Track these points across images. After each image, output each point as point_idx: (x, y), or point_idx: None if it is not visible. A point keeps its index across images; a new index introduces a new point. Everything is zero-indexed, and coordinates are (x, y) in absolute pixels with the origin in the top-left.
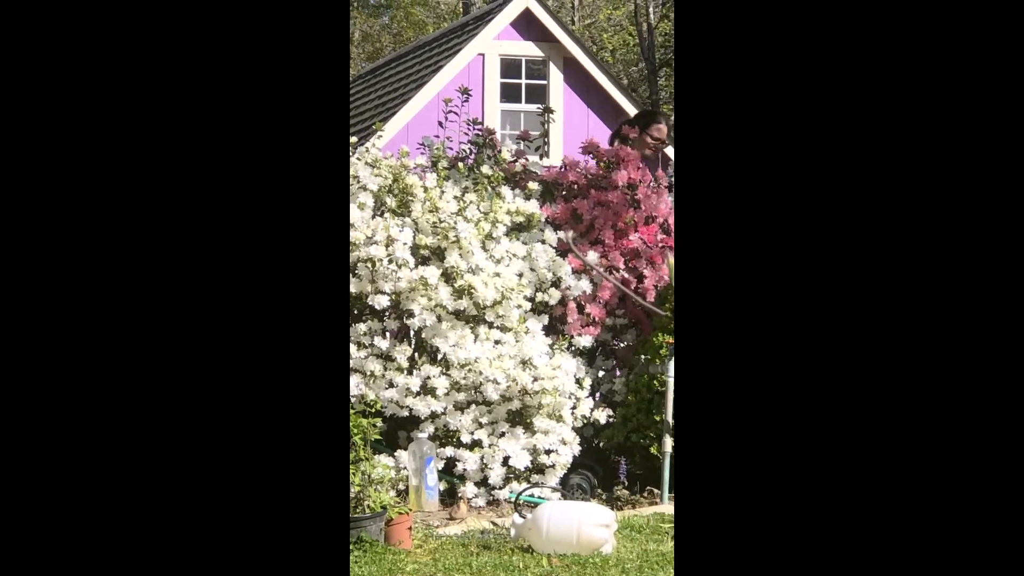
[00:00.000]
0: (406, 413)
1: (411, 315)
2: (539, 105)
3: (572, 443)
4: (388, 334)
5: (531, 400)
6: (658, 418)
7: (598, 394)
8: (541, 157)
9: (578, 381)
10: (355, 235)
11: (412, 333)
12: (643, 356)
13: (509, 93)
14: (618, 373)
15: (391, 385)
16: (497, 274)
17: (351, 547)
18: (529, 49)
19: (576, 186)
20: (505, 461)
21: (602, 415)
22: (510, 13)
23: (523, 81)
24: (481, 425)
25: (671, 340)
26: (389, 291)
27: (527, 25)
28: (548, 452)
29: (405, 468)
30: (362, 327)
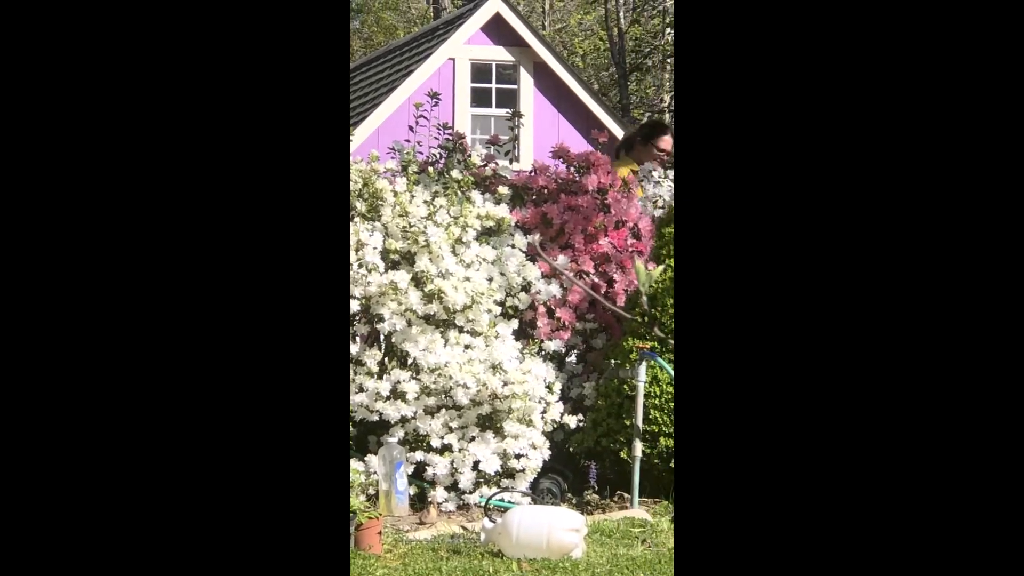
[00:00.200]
0: (376, 418)
1: (381, 320)
2: (509, 109)
3: (542, 447)
4: (358, 339)
5: (501, 404)
6: (628, 422)
7: (568, 398)
8: (511, 161)
9: (548, 386)
10: None
11: (382, 338)
12: (613, 360)
13: (480, 97)
14: (588, 378)
15: (361, 390)
16: (467, 278)
17: None
18: (500, 54)
19: (546, 190)
20: (475, 466)
21: (572, 419)
22: (481, 17)
23: (494, 85)
24: (451, 429)
25: (641, 344)
26: (359, 296)
27: (498, 30)
28: (518, 456)
29: (375, 473)
30: None
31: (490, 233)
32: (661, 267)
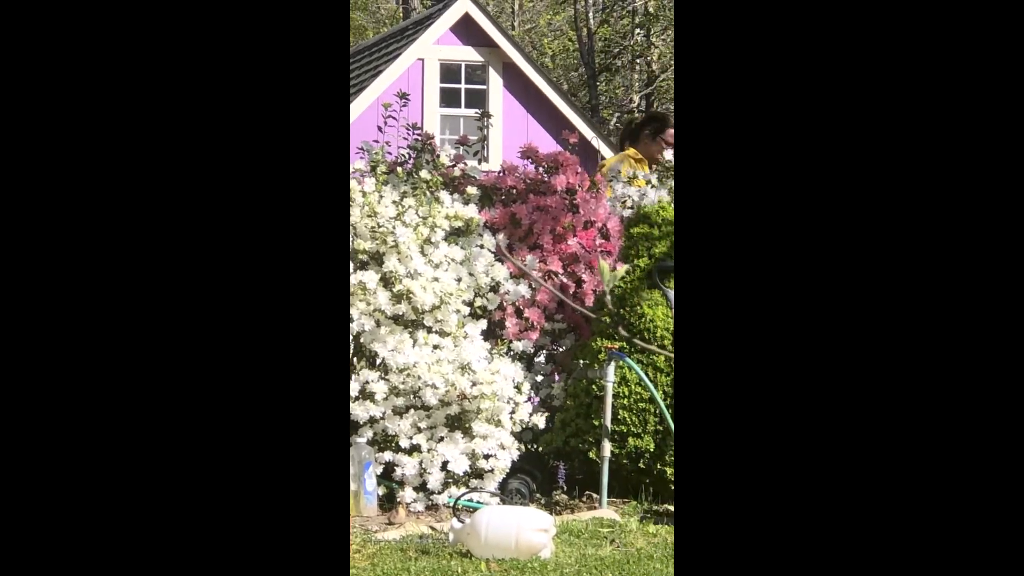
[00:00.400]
0: None
1: (349, 320)
2: (478, 110)
3: (511, 448)
4: None
5: (470, 405)
6: (597, 423)
7: (537, 399)
8: (480, 162)
9: (517, 386)
10: None
11: (351, 338)
12: (582, 361)
13: (449, 98)
14: (557, 378)
15: None
16: (436, 279)
17: None
18: (469, 54)
19: (515, 191)
20: (444, 466)
21: (541, 420)
22: (450, 18)
23: (463, 86)
24: (420, 430)
25: (610, 344)
26: None
27: (467, 30)
28: (487, 457)
29: None
30: None
31: (459, 233)
32: (626, 266)
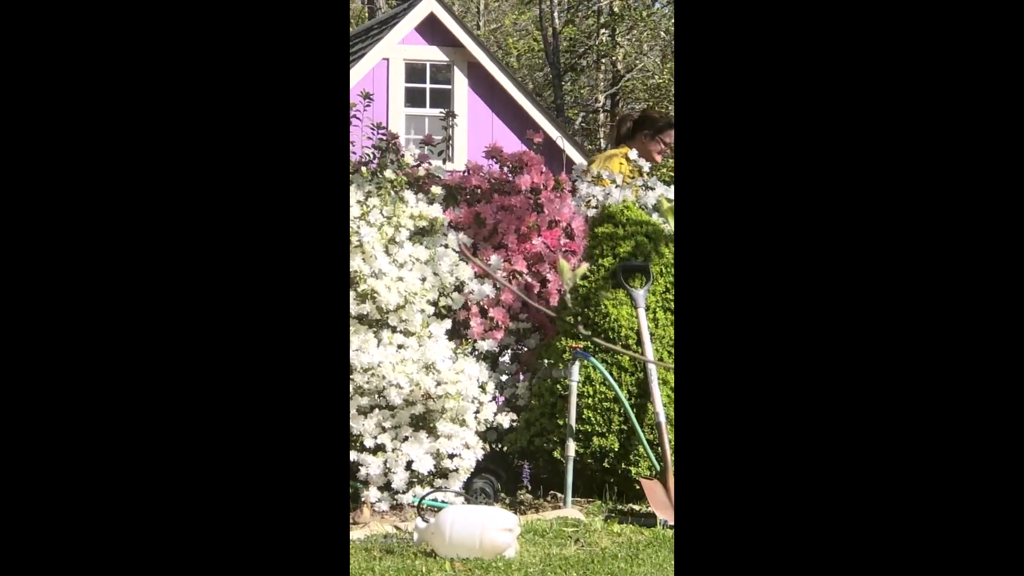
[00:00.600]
0: None
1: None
2: (443, 109)
3: (475, 447)
4: None
5: (434, 404)
6: (561, 422)
7: (501, 398)
8: (445, 161)
9: (481, 386)
10: None
11: None
12: (546, 360)
13: (413, 97)
14: (521, 377)
15: None
16: (400, 278)
17: None
18: (434, 54)
19: (480, 190)
20: (408, 465)
21: (505, 419)
22: (415, 18)
23: (428, 86)
24: (384, 430)
25: (574, 344)
26: None
27: (432, 30)
28: (451, 456)
29: None
30: None
31: (423, 233)
32: (587, 266)
